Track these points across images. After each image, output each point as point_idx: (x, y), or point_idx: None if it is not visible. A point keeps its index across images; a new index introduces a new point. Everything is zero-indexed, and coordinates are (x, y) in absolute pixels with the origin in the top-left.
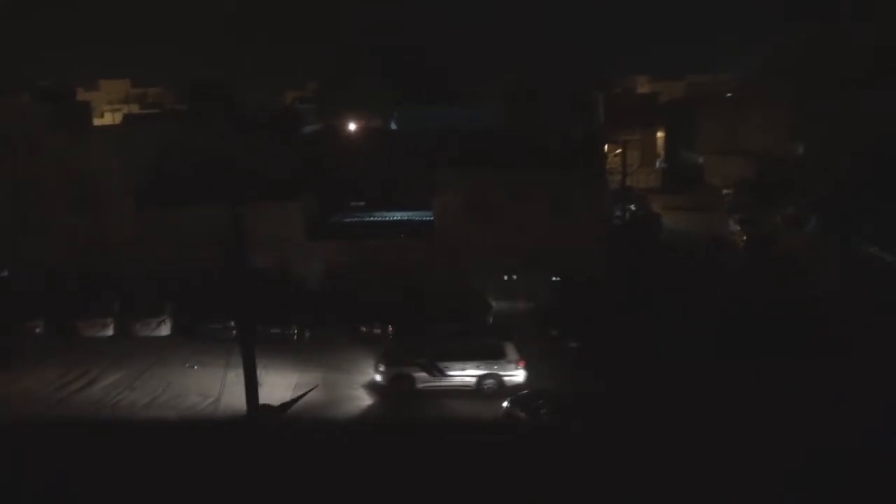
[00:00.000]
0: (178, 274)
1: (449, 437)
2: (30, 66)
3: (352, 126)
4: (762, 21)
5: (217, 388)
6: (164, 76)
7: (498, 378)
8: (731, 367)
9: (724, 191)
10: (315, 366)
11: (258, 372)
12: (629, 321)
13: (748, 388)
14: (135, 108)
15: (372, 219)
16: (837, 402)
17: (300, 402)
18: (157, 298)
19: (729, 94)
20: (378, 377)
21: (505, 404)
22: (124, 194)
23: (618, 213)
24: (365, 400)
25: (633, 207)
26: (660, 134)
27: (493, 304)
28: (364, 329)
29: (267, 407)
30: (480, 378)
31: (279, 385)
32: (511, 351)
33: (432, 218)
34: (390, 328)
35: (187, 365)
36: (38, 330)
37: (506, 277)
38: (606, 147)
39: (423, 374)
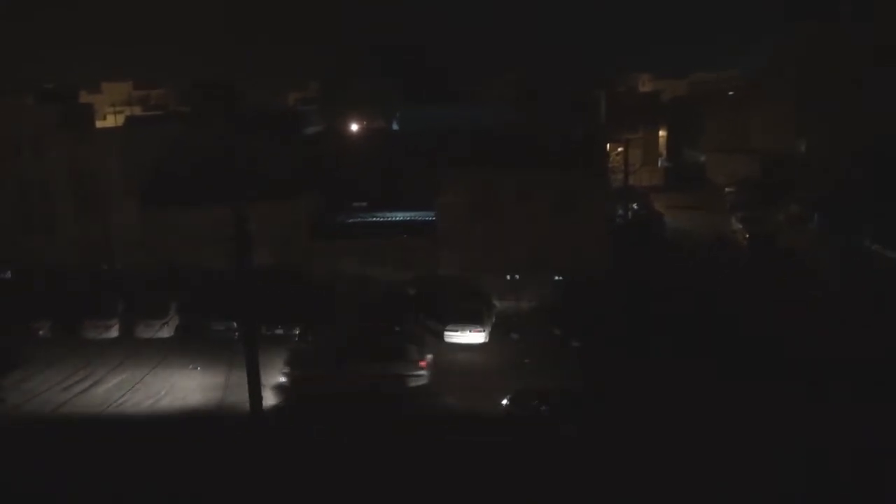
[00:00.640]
0: (182, 275)
1: (449, 437)
2: (33, 68)
3: (354, 126)
4: (764, 20)
5: (220, 390)
6: (167, 78)
7: (400, 379)
8: (730, 369)
9: (727, 189)
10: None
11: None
12: (631, 320)
13: (747, 390)
14: (137, 110)
15: (374, 219)
16: (836, 403)
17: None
18: (161, 299)
19: (731, 93)
20: (283, 379)
21: (504, 402)
22: (128, 195)
23: (620, 212)
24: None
25: (635, 206)
26: (662, 132)
27: (497, 303)
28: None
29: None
30: (380, 378)
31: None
32: (412, 352)
33: (434, 218)
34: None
35: (190, 367)
36: (42, 331)
37: (508, 277)
38: (608, 146)
39: (326, 376)
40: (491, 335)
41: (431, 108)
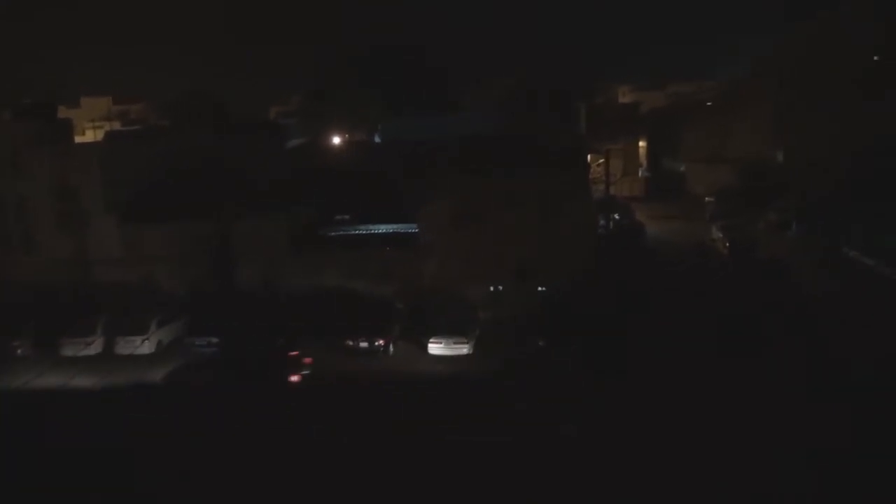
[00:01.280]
0: (163, 290)
1: (449, 437)
2: (10, 83)
3: (336, 139)
4: (741, 30)
5: None
6: (146, 92)
7: None
8: (717, 373)
9: (707, 198)
10: None
11: None
12: (614, 329)
13: (736, 392)
14: (117, 125)
15: (357, 232)
16: (825, 402)
17: None
18: (142, 315)
19: (709, 103)
20: None
21: None
22: (108, 211)
23: (602, 222)
24: None
25: (617, 216)
26: (642, 143)
27: (481, 314)
28: (350, 343)
29: None
30: None
31: None
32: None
33: (417, 230)
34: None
35: None
36: (19, 351)
37: (492, 288)
38: (590, 156)
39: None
40: (475, 347)
41: (413, 119)
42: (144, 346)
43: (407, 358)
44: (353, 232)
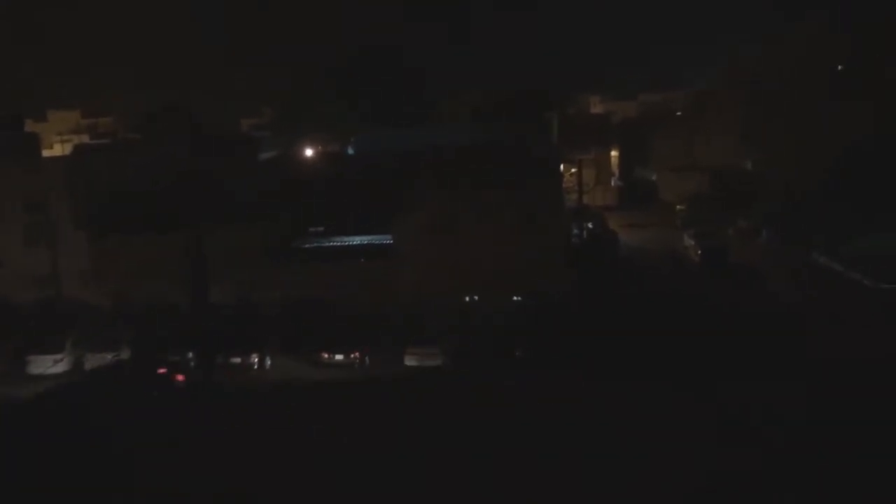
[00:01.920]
0: (136, 304)
1: None
2: None
3: (309, 151)
4: (709, 40)
5: None
6: (115, 105)
7: None
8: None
9: (678, 206)
10: None
11: None
12: (588, 338)
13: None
14: (85, 139)
15: (331, 244)
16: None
17: None
18: (112, 331)
19: (679, 112)
20: None
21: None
22: (77, 225)
23: (575, 231)
24: None
25: (590, 225)
26: (614, 152)
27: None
28: (325, 356)
29: None
30: None
31: None
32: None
33: (392, 241)
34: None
35: None
36: None
37: (467, 298)
38: (562, 166)
39: None
40: (445, 356)
41: (386, 130)
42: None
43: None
44: (327, 244)
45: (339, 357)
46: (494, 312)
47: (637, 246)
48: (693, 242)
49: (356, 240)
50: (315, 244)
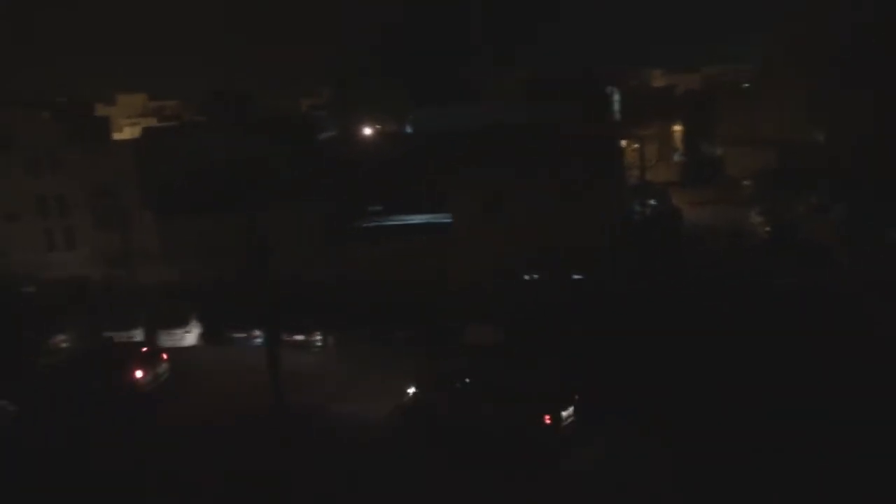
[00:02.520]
0: (202, 282)
1: None
2: (49, 82)
3: (367, 130)
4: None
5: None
6: (181, 88)
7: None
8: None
9: (745, 182)
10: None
11: None
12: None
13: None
14: (152, 121)
15: (390, 223)
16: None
17: None
18: (181, 308)
19: (746, 85)
20: None
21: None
22: (145, 206)
23: (637, 208)
24: None
25: (652, 202)
26: (677, 127)
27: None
28: (392, 334)
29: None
30: None
31: None
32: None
33: (450, 220)
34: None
35: None
36: (64, 345)
37: (526, 277)
38: (624, 142)
39: None
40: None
41: (444, 108)
42: (186, 338)
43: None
44: (385, 223)
45: (298, 337)
46: (553, 291)
47: (702, 223)
48: (761, 219)
49: (415, 219)
50: (374, 223)
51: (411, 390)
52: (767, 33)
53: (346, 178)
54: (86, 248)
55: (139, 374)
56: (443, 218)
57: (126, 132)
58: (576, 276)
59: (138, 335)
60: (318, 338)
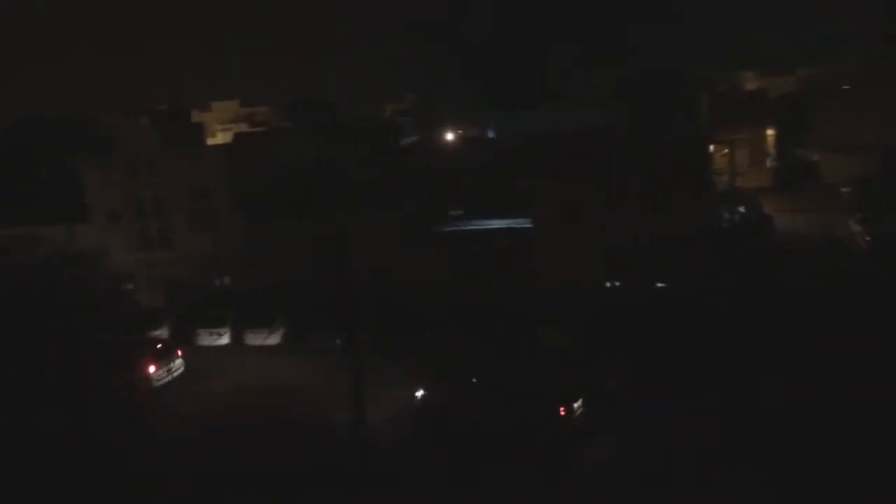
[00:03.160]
0: (288, 284)
1: None
2: (150, 90)
3: (449, 135)
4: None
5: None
6: (271, 95)
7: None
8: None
9: (843, 189)
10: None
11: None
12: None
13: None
14: (244, 127)
15: (470, 227)
16: None
17: None
18: (267, 309)
19: (846, 87)
20: None
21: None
22: (235, 209)
23: (726, 215)
24: None
25: (742, 209)
26: (770, 131)
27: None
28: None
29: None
30: None
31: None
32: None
33: (531, 225)
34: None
35: None
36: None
37: (608, 285)
38: (713, 147)
39: None
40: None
41: (527, 113)
42: (271, 337)
43: None
44: (466, 227)
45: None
46: (635, 299)
47: (795, 231)
48: (860, 228)
49: (495, 223)
50: (454, 227)
51: (419, 393)
52: (869, 32)
53: (428, 183)
54: (179, 248)
55: (152, 369)
56: (523, 223)
57: (219, 137)
58: (659, 285)
59: (226, 333)
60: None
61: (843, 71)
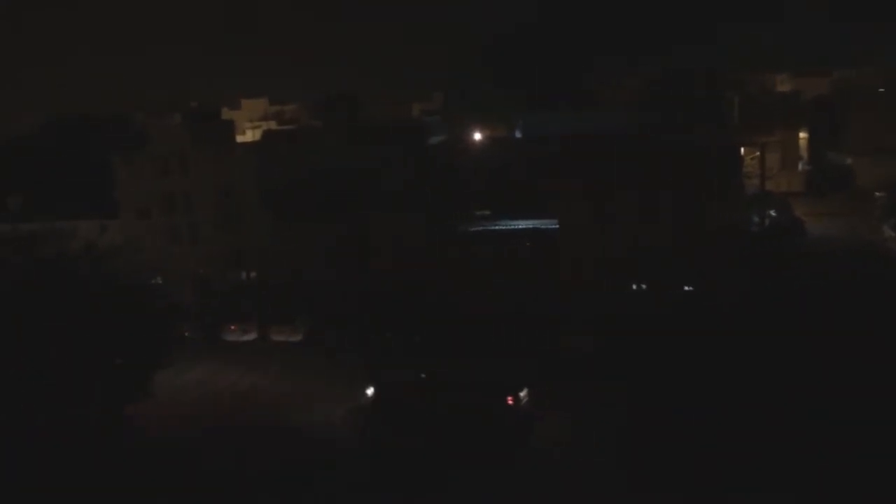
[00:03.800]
0: (312, 282)
1: None
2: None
3: (477, 135)
4: None
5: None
6: (300, 93)
7: None
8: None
9: (877, 193)
10: None
11: None
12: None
13: None
14: (273, 125)
15: (496, 227)
16: None
17: None
18: (291, 307)
19: (881, 89)
20: None
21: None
22: (263, 207)
23: (755, 218)
24: None
25: (772, 213)
26: (803, 134)
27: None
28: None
29: None
30: None
31: None
32: None
33: (557, 226)
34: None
35: None
36: (187, 334)
37: (634, 287)
38: (743, 150)
39: None
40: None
41: (555, 113)
42: (294, 334)
43: None
44: (492, 227)
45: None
46: (661, 301)
47: (827, 236)
48: (894, 234)
49: (521, 224)
50: (481, 227)
51: (370, 391)
52: None
53: (455, 182)
54: (207, 244)
55: None
56: (550, 224)
57: (248, 135)
58: (686, 288)
59: (252, 330)
60: (417, 339)
61: (880, 73)
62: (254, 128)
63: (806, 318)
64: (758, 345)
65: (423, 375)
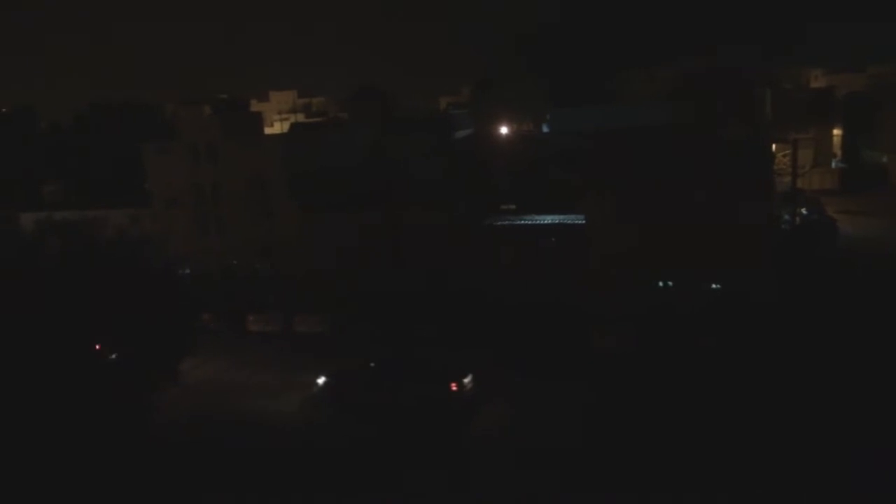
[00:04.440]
0: (337, 274)
1: None
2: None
3: (504, 129)
4: None
5: None
6: (328, 86)
7: None
8: None
9: None
10: None
11: None
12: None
13: None
14: (301, 117)
15: (522, 222)
16: None
17: None
18: (317, 297)
19: None
20: None
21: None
22: (290, 199)
23: (787, 217)
24: None
25: (804, 211)
26: (836, 131)
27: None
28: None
29: None
30: None
31: None
32: None
33: (584, 222)
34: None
35: None
36: (211, 324)
37: (661, 284)
38: (775, 146)
39: None
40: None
41: (582, 108)
42: (319, 326)
43: None
44: (517, 222)
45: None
46: (688, 299)
47: (860, 236)
48: None
49: (547, 219)
50: (506, 222)
51: (321, 380)
52: None
53: (481, 177)
54: (235, 235)
55: None
56: (576, 219)
57: (276, 127)
58: (714, 286)
59: (277, 320)
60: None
61: None
62: (282, 120)
63: (835, 321)
64: (780, 347)
65: (371, 364)
